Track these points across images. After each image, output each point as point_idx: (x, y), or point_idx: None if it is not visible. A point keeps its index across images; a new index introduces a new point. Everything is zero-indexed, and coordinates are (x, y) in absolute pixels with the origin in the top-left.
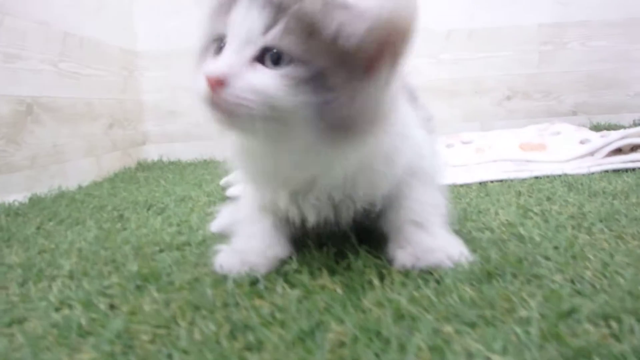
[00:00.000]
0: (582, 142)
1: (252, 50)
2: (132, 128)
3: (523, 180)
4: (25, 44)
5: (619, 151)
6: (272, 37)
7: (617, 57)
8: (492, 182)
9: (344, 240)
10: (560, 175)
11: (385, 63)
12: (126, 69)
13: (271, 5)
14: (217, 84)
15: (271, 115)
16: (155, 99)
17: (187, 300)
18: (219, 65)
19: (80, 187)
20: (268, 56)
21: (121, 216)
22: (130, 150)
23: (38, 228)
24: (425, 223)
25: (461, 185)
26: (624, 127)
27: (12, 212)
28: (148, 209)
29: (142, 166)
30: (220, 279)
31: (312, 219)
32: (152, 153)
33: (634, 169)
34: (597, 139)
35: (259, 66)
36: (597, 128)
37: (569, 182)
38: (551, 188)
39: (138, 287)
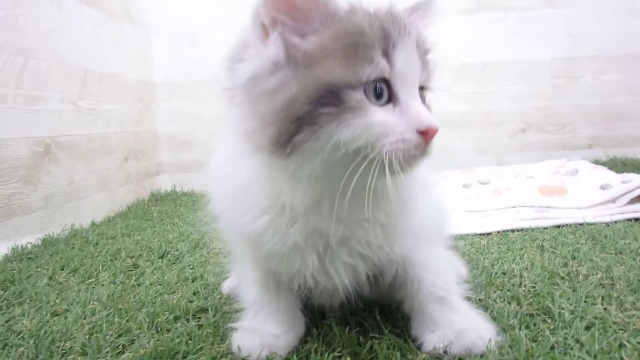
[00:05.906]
0: (602, 188)
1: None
2: (147, 159)
3: (544, 229)
4: (47, 85)
5: None
6: (424, 79)
7: (629, 90)
8: (512, 231)
9: (366, 315)
10: (582, 224)
11: None
12: (142, 101)
13: (421, 50)
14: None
15: None
16: (170, 129)
17: None
18: (431, 116)
19: (93, 224)
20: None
21: (135, 265)
22: (144, 182)
23: (50, 278)
24: (447, 296)
25: (481, 235)
26: None
27: (25, 256)
28: (162, 257)
29: (156, 197)
30: None
31: (342, 281)
32: (165, 183)
33: None
34: (618, 184)
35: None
36: (613, 162)
37: (593, 234)
38: (575, 242)
39: None
